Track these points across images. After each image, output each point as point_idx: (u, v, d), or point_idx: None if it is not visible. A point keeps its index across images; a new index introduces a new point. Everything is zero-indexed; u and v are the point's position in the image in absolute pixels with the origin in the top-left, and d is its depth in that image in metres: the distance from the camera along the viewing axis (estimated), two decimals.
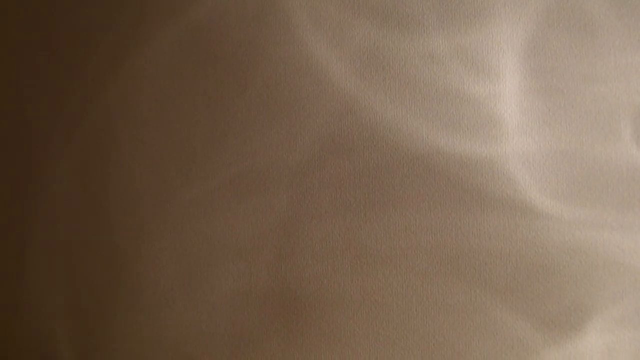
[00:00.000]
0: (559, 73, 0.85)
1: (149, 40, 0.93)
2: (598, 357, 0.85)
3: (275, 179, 0.90)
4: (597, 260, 0.85)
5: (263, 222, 0.90)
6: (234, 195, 0.91)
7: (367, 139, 0.88)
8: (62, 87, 0.95)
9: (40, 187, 0.95)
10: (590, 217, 0.85)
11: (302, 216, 0.89)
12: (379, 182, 0.88)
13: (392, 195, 0.88)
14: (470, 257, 0.87)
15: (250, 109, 0.90)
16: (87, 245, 0.94)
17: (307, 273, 0.90)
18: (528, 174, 0.86)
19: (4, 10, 0.97)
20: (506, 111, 0.86)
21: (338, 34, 0.88)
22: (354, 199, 0.89)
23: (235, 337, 0.91)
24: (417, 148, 0.87)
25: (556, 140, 0.85)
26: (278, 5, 0.89)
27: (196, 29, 0.91)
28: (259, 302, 0.91)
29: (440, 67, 0.87)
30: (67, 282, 0.95)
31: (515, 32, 0.86)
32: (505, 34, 0.86)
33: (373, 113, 0.88)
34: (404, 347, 0.88)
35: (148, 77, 0.93)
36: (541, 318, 0.86)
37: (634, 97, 0.85)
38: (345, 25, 0.88)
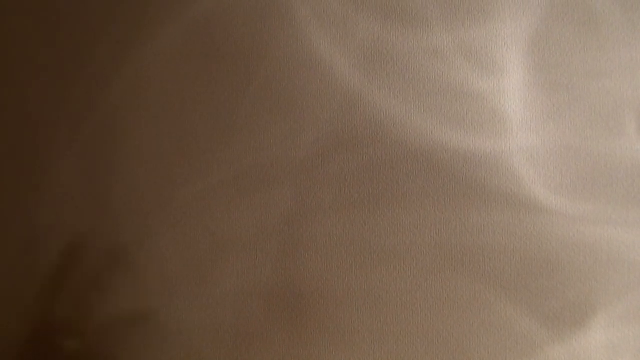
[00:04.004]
0: (563, 68, 0.85)
1: (152, 36, 0.92)
2: (602, 352, 0.85)
3: (279, 174, 0.90)
4: (602, 256, 0.85)
5: (267, 218, 0.90)
6: (237, 191, 0.91)
7: (371, 134, 0.88)
8: (65, 83, 0.95)
9: (44, 184, 0.95)
10: (595, 212, 0.85)
11: (306, 212, 0.89)
12: (383, 178, 0.88)
13: (396, 191, 0.88)
14: (475, 253, 0.87)
15: (253, 104, 0.90)
16: (91, 240, 0.94)
17: (311, 269, 0.89)
18: (532, 169, 0.85)
19: (6, 7, 0.97)
20: (510, 106, 0.86)
21: (342, 30, 0.88)
22: (358, 195, 0.88)
23: (239, 333, 0.91)
24: (421, 144, 0.87)
25: (560, 136, 0.85)
26: (281, 0, 0.89)
27: (199, 24, 0.91)
28: (263, 298, 0.90)
29: (444, 63, 0.87)
30: (71, 277, 0.95)
31: (519, 27, 0.86)
32: (509, 29, 0.86)
33: (377, 109, 0.88)
34: (408, 344, 0.88)
35: (151, 73, 0.93)
36: (545, 314, 0.86)
37: (639, 92, 0.84)
38: (348, 20, 0.88)
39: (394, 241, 0.88)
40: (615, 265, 0.85)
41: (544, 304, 0.86)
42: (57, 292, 0.95)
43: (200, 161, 0.92)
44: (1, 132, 0.97)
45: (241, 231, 0.91)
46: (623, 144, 0.85)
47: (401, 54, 0.88)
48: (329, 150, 0.89)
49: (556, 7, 0.85)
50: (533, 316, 0.86)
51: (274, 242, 0.90)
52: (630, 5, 0.84)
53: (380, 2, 0.88)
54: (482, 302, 0.87)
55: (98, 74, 0.94)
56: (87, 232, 0.94)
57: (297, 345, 0.90)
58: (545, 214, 0.85)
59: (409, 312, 0.88)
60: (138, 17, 0.93)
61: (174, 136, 0.92)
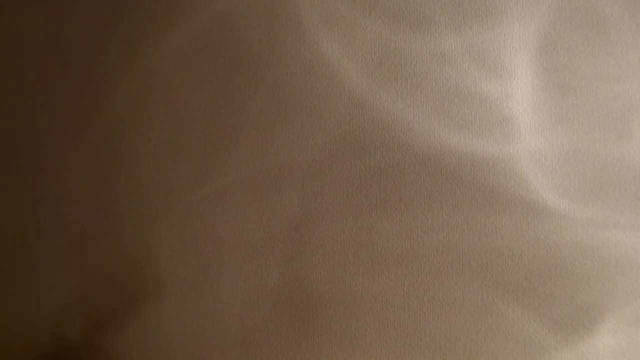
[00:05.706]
0: (572, 72, 0.85)
1: (159, 40, 0.92)
2: (610, 357, 0.85)
3: (286, 178, 0.90)
4: (610, 260, 0.85)
5: (274, 222, 0.90)
6: (245, 195, 0.91)
7: (378, 138, 0.88)
8: (71, 87, 0.95)
9: (50, 188, 0.95)
10: (603, 216, 0.85)
11: (314, 216, 0.89)
12: (391, 182, 0.88)
13: (404, 195, 0.88)
14: (483, 256, 0.86)
15: (261, 108, 0.90)
16: (98, 245, 0.94)
17: (318, 273, 0.89)
18: (540, 173, 0.85)
19: (12, 9, 0.97)
20: (518, 110, 0.86)
21: (349, 33, 0.88)
22: (366, 199, 0.88)
23: (246, 337, 0.91)
24: (429, 147, 0.87)
25: (568, 139, 0.85)
26: (289, 4, 0.89)
27: (207, 28, 0.91)
28: (270, 301, 0.90)
29: (452, 66, 0.86)
30: (78, 283, 0.95)
31: (527, 31, 0.85)
32: (517, 32, 0.86)
33: (385, 112, 0.88)
34: (415, 347, 0.88)
35: (158, 77, 0.93)
36: (553, 318, 0.86)
37: None
38: (356, 24, 0.88)
39: (402, 245, 0.88)
40: (623, 269, 0.84)
41: (551, 308, 0.85)
42: (61, 294, 0.95)
43: (207, 165, 0.91)
44: (7, 134, 0.97)
45: (248, 235, 0.91)
46: (631, 148, 0.84)
47: (409, 58, 0.87)
48: (336, 154, 0.89)
49: (564, 10, 0.85)
50: (541, 320, 0.86)
51: (281, 246, 0.90)
52: (638, 9, 0.84)
53: (388, 6, 0.88)
54: (489, 305, 0.86)
55: (105, 77, 0.94)
56: (93, 235, 0.94)
57: (304, 349, 0.90)
58: (553, 218, 0.85)
59: (417, 316, 0.88)
60: (145, 21, 0.93)
61: (180, 139, 0.92)
